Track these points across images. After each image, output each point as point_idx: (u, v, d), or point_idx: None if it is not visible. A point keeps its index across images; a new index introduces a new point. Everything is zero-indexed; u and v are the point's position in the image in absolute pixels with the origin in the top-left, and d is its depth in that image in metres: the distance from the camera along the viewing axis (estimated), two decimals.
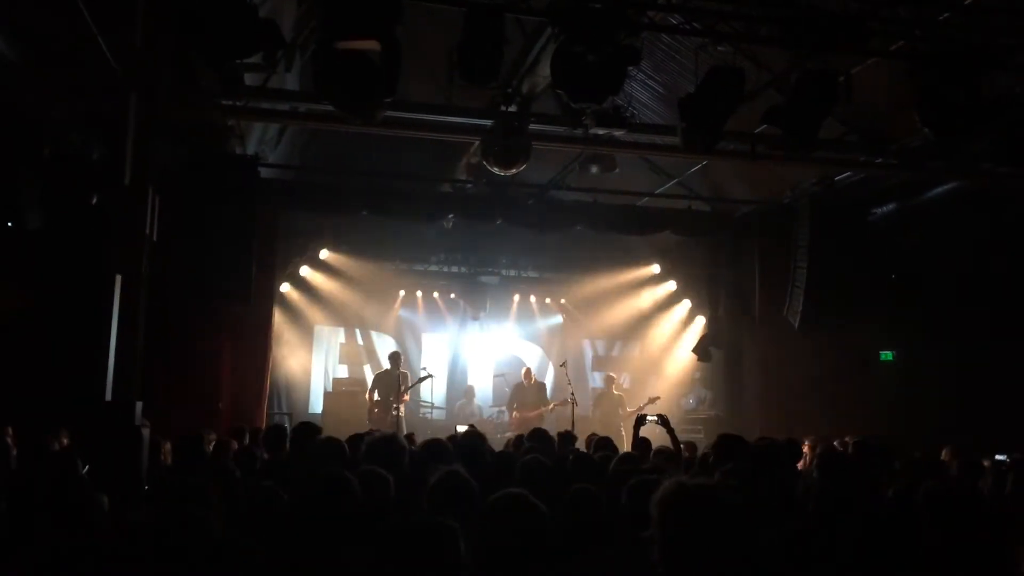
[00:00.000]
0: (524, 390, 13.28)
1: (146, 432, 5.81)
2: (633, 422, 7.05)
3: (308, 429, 5.95)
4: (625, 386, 14.62)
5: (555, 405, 12.67)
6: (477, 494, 3.47)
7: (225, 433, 7.73)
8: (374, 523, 3.31)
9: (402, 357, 12.87)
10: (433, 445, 5.26)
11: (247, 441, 7.12)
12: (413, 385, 12.79)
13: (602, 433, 7.78)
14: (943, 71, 6.84)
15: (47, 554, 2.81)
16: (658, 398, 12.88)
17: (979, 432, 9.03)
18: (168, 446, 6.44)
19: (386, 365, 12.65)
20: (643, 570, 2.64)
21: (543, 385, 13.72)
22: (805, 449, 7.29)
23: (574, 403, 11.38)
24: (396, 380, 11.94)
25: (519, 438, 7.36)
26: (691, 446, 7.58)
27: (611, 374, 14.20)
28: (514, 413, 13.11)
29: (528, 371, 13.67)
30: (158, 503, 4.09)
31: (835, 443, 7.46)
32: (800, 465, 6.67)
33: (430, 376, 13.09)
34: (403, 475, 4.23)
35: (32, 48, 6.77)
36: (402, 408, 11.84)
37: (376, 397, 12.18)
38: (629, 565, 3.11)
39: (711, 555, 2.49)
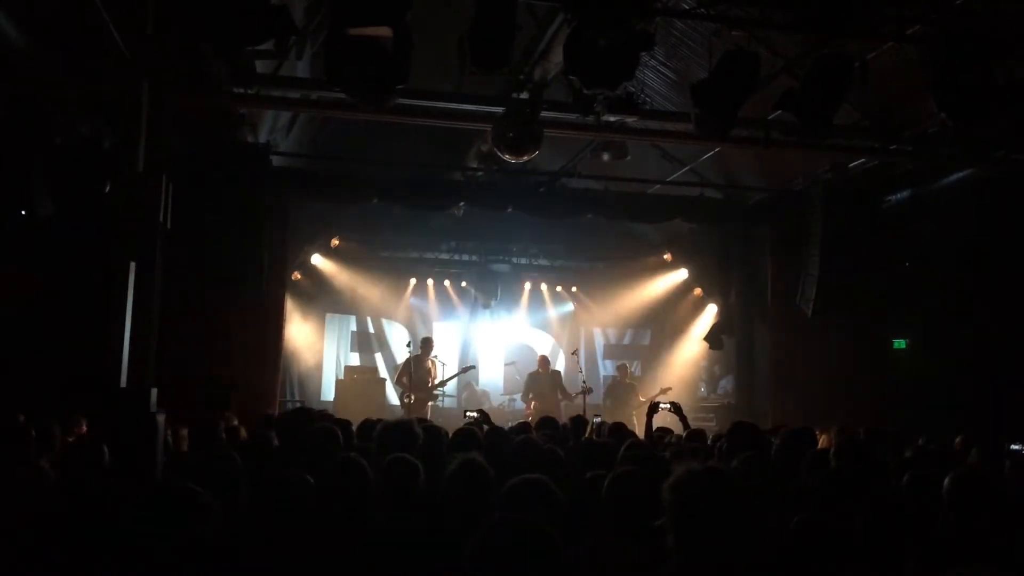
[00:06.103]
0: (539, 378, 13.01)
1: (161, 419, 5.83)
2: (646, 410, 7.04)
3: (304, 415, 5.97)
4: (636, 374, 14.63)
5: (577, 394, 12.00)
6: (493, 482, 3.47)
7: (240, 420, 7.76)
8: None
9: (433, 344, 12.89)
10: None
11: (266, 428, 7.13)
12: (456, 375, 13.06)
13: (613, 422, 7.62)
14: (958, 56, 6.77)
15: None
16: (670, 388, 12.88)
17: (994, 421, 8.97)
18: (184, 432, 6.47)
19: (402, 352, 12.72)
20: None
21: (558, 373, 13.37)
22: (820, 439, 7.23)
23: (587, 391, 11.36)
24: (427, 368, 12.05)
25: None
26: (700, 433, 7.52)
27: (623, 363, 14.15)
28: (531, 403, 12.79)
29: (543, 359, 13.41)
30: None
31: (849, 431, 7.40)
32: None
33: (472, 367, 13.55)
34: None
35: (42, 36, 6.77)
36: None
37: (405, 381, 12.22)
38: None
39: (725, 540, 2.47)
